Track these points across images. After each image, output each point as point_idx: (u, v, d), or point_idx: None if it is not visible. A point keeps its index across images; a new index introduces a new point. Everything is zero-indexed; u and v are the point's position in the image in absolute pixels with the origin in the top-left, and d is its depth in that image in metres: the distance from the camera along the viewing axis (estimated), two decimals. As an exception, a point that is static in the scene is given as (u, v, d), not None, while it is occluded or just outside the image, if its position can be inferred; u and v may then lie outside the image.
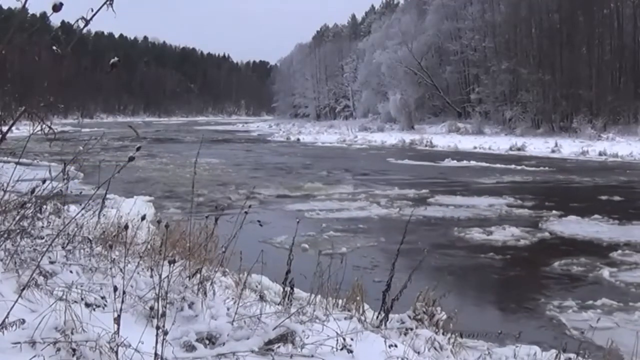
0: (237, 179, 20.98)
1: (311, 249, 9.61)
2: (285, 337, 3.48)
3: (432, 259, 9.26)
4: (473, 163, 27.73)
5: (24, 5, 2.42)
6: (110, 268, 4.12)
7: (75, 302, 3.35)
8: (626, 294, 7.70)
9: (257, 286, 5.36)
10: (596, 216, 12.95)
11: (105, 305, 3.51)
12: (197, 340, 3.37)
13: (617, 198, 16.25)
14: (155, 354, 2.85)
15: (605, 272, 8.56)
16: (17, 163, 4.35)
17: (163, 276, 3.15)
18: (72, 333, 2.90)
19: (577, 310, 7.09)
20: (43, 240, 4.29)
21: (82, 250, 4.46)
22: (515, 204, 15.21)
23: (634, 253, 9.71)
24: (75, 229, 4.60)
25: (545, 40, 47.85)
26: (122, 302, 3.04)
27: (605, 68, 46.01)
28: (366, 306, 4.86)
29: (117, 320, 2.90)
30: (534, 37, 49.99)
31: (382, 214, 14.11)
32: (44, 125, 3.07)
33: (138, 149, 2.96)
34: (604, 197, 16.40)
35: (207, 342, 3.40)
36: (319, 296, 4.58)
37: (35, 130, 3.10)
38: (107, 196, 6.98)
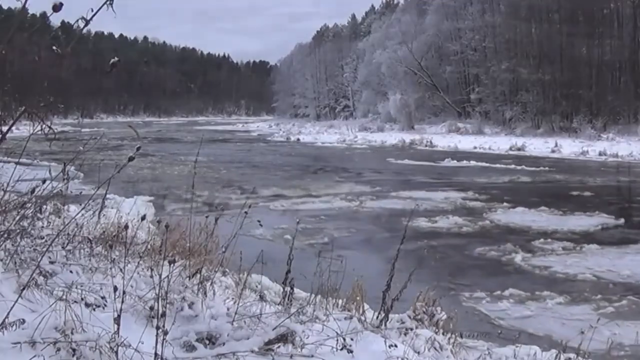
0: (229, 178, 21.04)
1: (285, 234, 9.91)
2: (285, 337, 3.48)
3: (369, 246, 9.61)
4: (473, 163, 27.74)
5: (24, 5, 2.42)
6: (110, 268, 4.12)
7: (75, 302, 3.35)
8: (535, 280, 7.84)
9: (257, 286, 5.36)
10: (543, 208, 13.35)
11: (105, 305, 3.51)
12: (197, 340, 3.37)
13: (587, 193, 16.45)
14: (155, 354, 2.85)
15: (519, 257, 8.84)
16: (17, 163, 4.35)
17: (163, 276, 3.16)
18: (72, 333, 2.90)
19: (490, 301, 7.17)
20: (43, 240, 4.29)
21: (82, 250, 4.46)
22: (470, 197, 15.51)
23: (555, 241, 10.02)
24: (75, 229, 4.60)
25: (545, 40, 47.84)
26: (122, 302, 3.04)
27: (605, 68, 46.01)
28: (366, 306, 4.86)
29: (117, 320, 2.90)
30: (534, 37, 49.99)
31: (343, 206, 14.88)
32: (44, 125, 3.07)
33: (138, 149, 2.96)
34: (575, 193, 16.57)
35: (207, 342, 3.40)
36: (319, 296, 4.58)
37: (35, 130, 3.10)
38: (107, 196, 6.99)
